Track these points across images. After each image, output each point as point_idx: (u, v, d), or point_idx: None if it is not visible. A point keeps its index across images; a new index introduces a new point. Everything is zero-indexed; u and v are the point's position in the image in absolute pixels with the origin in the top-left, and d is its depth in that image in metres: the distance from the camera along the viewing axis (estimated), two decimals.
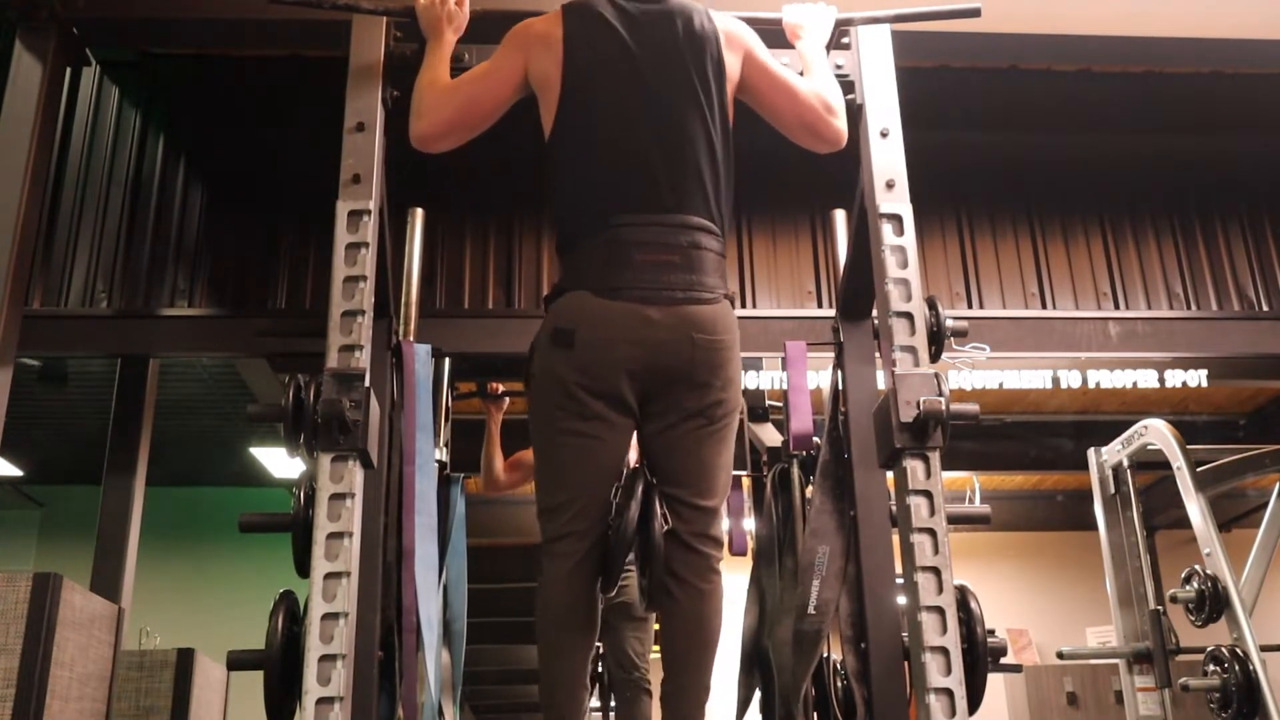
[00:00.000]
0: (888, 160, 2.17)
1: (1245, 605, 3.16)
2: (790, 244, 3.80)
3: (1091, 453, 3.91)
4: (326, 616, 1.79)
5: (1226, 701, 3.05)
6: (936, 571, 1.84)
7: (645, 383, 1.92)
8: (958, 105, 3.81)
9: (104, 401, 3.74)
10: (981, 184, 3.92)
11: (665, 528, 1.93)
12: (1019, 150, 4.00)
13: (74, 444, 6.44)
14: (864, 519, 2.45)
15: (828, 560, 2.44)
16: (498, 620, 5.82)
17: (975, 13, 2.33)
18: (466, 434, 3.73)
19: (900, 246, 2.08)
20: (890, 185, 2.14)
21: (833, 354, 2.71)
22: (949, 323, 2.24)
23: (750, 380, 4.00)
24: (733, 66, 2.07)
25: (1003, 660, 2.00)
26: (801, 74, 2.19)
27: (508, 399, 3.76)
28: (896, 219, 2.11)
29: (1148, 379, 4.52)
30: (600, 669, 3.79)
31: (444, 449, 3.09)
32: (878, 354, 2.47)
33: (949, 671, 1.79)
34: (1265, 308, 3.81)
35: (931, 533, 1.86)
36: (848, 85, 2.28)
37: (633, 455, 2.06)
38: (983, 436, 6.12)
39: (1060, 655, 3.76)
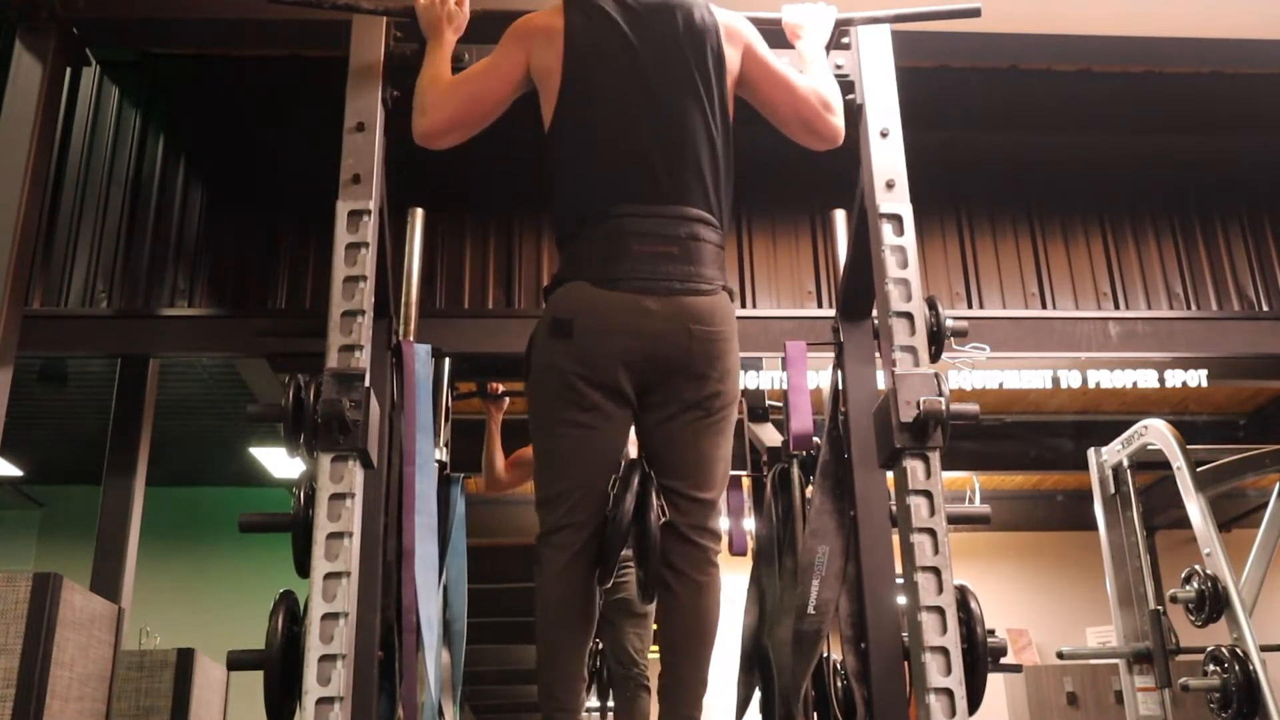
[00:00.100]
0: (888, 160, 2.17)
1: (1245, 605, 3.15)
2: (790, 244, 3.80)
3: (1091, 453, 3.91)
4: (326, 616, 1.79)
5: (1226, 701, 3.05)
6: (936, 571, 1.84)
7: (643, 373, 1.93)
8: (958, 105, 3.81)
9: (104, 401, 3.74)
10: (981, 184, 3.92)
11: (662, 519, 1.94)
12: (1019, 150, 4.00)
13: (74, 444, 6.44)
14: (864, 519, 2.45)
15: (827, 560, 2.44)
16: (498, 620, 5.82)
17: (975, 13, 2.33)
18: (466, 434, 3.73)
19: (900, 246, 2.08)
20: (890, 185, 2.14)
21: (833, 354, 2.71)
22: (949, 323, 2.24)
23: (750, 380, 4.00)
24: (732, 60, 2.07)
25: (1003, 660, 2.00)
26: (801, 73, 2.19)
27: (508, 399, 3.76)
28: (896, 219, 2.11)
29: (1148, 379, 4.51)
30: (599, 665, 3.80)
31: (444, 449, 3.09)
32: (878, 354, 2.47)
33: (949, 671, 1.78)
34: (1265, 308, 3.81)
35: (931, 533, 1.86)
36: (848, 85, 2.28)
37: (633, 448, 2.07)
38: (983, 436, 6.12)
39: (1060, 655, 3.76)
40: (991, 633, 1.98)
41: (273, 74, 3.68)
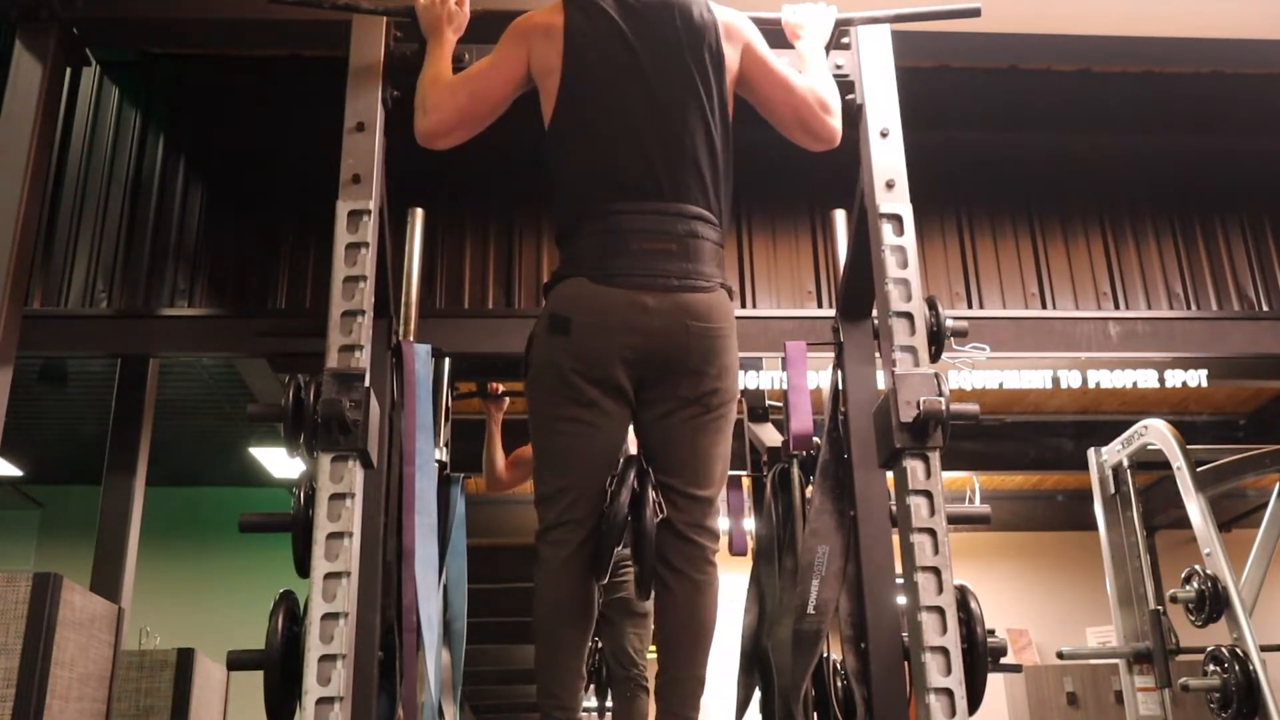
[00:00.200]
0: (888, 160, 2.17)
1: (1245, 605, 3.16)
2: (790, 244, 3.80)
3: (1091, 453, 3.91)
4: (326, 616, 1.79)
5: (1226, 701, 3.05)
6: (936, 571, 1.84)
7: (641, 370, 1.93)
8: (958, 105, 3.81)
9: (104, 401, 3.74)
10: (981, 184, 3.92)
11: (660, 516, 1.94)
12: (1019, 150, 3.99)
13: (74, 444, 6.44)
14: (864, 519, 2.45)
15: (827, 560, 2.44)
16: (498, 620, 5.82)
17: (975, 13, 2.33)
18: (466, 434, 3.73)
19: (900, 246, 2.08)
20: (890, 185, 2.14)
21: (833, 354, 2.71)
22: (949, 323, 2.24)
23: (750, 380, 4.00)
24: (731, 58, 2.07)
25: (1003, 660, 2.00)
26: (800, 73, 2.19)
27: (508, 399, 3.76)
28: (896, 219, 2.11)
29: (1148, 379, 4.51)
30: (598, 664, 3.79)
31: (444, 449, 3.10)
32: (878, 354, 2.47)
33: (949, 671, 1.79)
34: (1265, 308, 3.81)
35: (931, 533, 1.87)
36: (847, 85, 2.28)
37: (633, 446, 2.07)
38: (983, 436, 6.12)
39: (1060, 655, 3.77)
40: (991, 633, 1.98)
41: (273, 74, 3.68)
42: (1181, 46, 3.24)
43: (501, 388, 3.75)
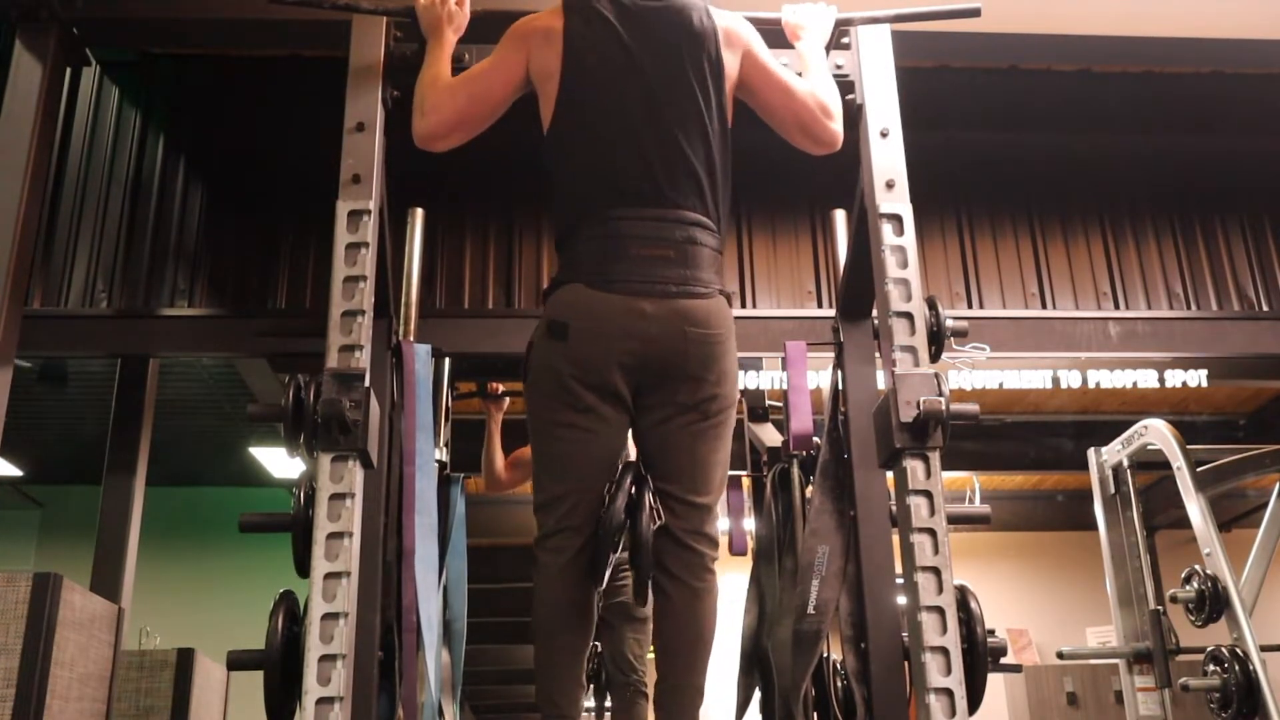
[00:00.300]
0: (888, 160, 2.17)
1: (1245, 605, 3.16)
2: (790, 244, 3.80)
3: (1091, 453, 3.91)
4: (326, 616, 1.79)
5: (1226, 701, 3.05)
6: (936, 571, 1.84)
7: (639, 376, 1.93)
8: (958, 105, 3.81)
9: (104, 401, 3.74)
10: (981, 184, 3.92)
11: (657, 523, 1.93)
12: (1019, 150, 3.99)
13: (74, 444, 6.44)
14: (864, 519, 2.45)
15: (827, 560, 2.44)
16: (498, 620, 5.82)
17: (975, 13, 2.33)
18: (466, 434, 3.73)
19: (900, 246, 2.08)
20: (890, 185, 2.14)
21: (833, 354, 2.71)
22: (949, 323, 2.24)
23: (750, 380, 4.00)
24: (731, 64, 2.07)
25: (1003, 660, 2.00)
26: (801, 75, 2.19)
27: (508, 399, 3.76)
28: (896, 219, 2.11)
29: (1148, 379, 4.51)
30: (598, 667, 3.79)
31: (444, 449, 3.09)
32: (878, 354, 2.47)
33: (949, 671, 1.79)
34: (1265, 308, 3.81)
35: (931, 533, 1.86)
36: (847, 85, 2.28)
37: (634, 452, 2.06)
38: (983, 436, 6.12)
39: (1060, 655, 3.77)
40: (991, 633, 1.98)
41: (273, 74, 3.68)
42: (1181, 46, 3.24)
43: (501, 388, 3.75)
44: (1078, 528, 6.85)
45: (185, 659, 3.60)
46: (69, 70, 3.02)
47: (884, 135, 2.20)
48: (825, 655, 2.51)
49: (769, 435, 3.62)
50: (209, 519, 7.08)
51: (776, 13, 2.31)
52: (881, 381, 2.37)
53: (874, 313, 2.57)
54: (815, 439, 2.77)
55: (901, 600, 2.26)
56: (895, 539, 2.07)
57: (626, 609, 3.54)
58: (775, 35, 2.26)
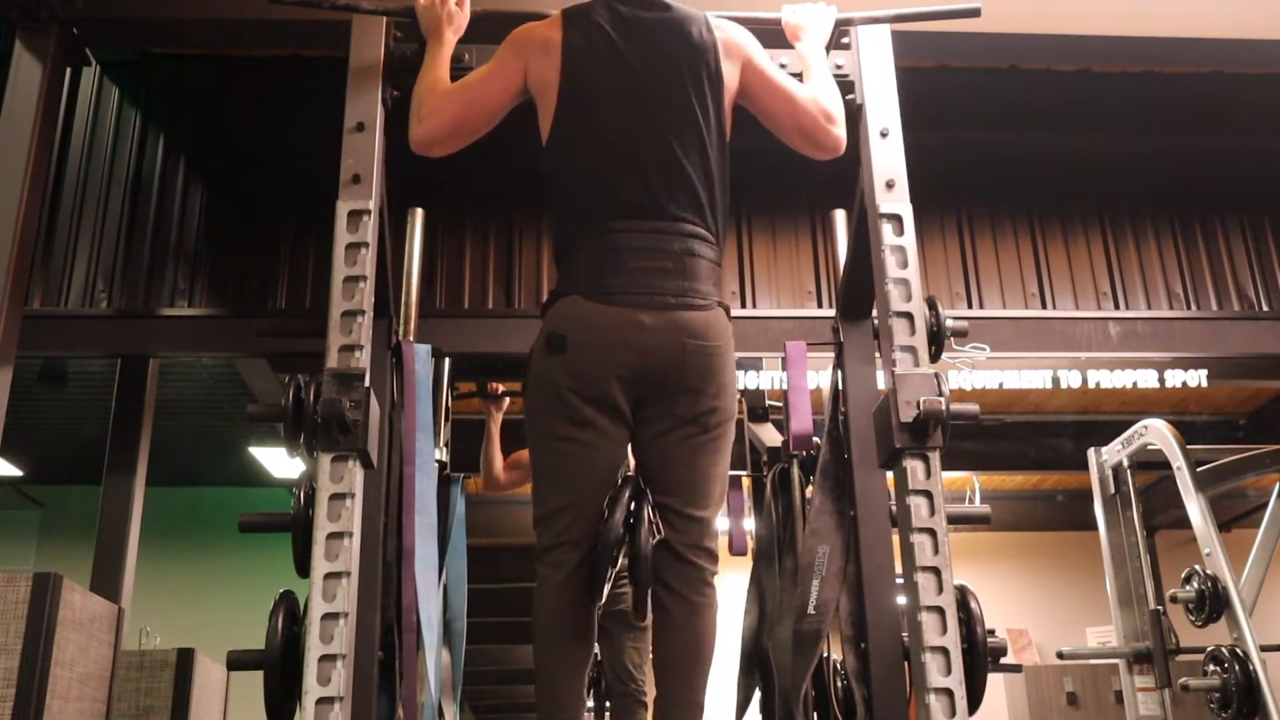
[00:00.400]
0: (888, 160, 2.17)
1: (1245, 605, 3.16)
2: (790, 244, 3.80)
3: (1091, 453, 3.91)
4: (326, 616, 1.79)
5: (1226, 701, 3.05)
6: (936, 571, 1.84)
7: (638, 389, 1.92)
8: (958, 105, 3.81)
9: (104, 401, 3.74)
10: (981, 184, 3.92)
11: (657, 537, 1.92)
12: (1019, 150, 3.99)
13: (74, 444, 6.44)
14: (864, 519, 2.45)
15: (827, 560, 2.44)
16: (498, 620, 5.82)
17: (975, 13, 2.33)
18: (466, 434, 3.73)
19: (900, 246, 2.08)
20: (890, 185, 2.14)
21: (833, 354, 2.71)
22: (949, 323, 2.24)
23: (750, 380, 4.00)
24: (730, 76, 2.06)
25: (1003, 660, 2.00)
26: (801, 76, 2.19)
27: (507, 399, 3.76)
28: (896, 219, 2.11)
29: (1148, 379, 4.51)
30: (598, 675, 3.78)
31: (444, 449, 3.09)
32: (878, 354, 2.47)
33: (949, 671, 1.79)
34: (1265, 308, 3.81)
35: (931, 533, 1.87)
36: (847, 85, 2.28)
37: (633, 465, 2.05)
38: (983, 436, 6.11)
39: (1060, 655, 3.77)
40: (991, 633, 1.98)
41: (273, 74, 3.68)
42: (1181, 46, 3.24)
43: (501, 388, 3.75)
44: (1078, 528, 6.85)
45: (185, 659, 3.60)
46: (69, 70, 3.02)
47: (884, 135, 2.20)
48: (825, 655, 2.51)
49: (769, 435, 3.62)
50: (209, 519, 7.08)
51: (776, 13, 2.31)
52: (881, 381, 2.37)
53: (874, 313, 2.58)
54: (815, 439, 2.78)
55: (901, 600, 2.26)
56: (895, 539, 2.07)
57: (625, 617, 3.53)
58: (775, 35, 2.26)
